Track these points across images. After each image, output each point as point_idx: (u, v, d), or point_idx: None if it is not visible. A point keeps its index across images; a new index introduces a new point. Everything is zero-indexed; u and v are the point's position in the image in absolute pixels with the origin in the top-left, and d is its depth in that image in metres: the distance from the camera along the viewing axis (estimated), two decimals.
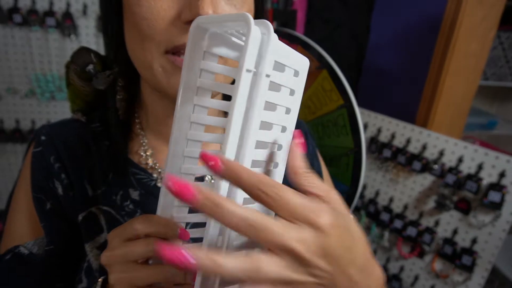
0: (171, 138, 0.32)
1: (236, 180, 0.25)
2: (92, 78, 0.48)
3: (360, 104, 1.53)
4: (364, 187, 1.28)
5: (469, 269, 1.03)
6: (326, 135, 0.91)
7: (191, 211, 0.34)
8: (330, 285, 0.26)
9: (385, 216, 1.22)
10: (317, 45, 0.96)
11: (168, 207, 0.34)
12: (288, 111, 0.31)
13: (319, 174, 0.58)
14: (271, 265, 0.24)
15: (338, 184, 0.92)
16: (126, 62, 0.42)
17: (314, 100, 0.90)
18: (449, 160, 1.06)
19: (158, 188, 0.45)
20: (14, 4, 1.19)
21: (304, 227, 0.25)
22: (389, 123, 1.19)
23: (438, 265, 1.13)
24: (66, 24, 1.24)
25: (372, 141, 1.23)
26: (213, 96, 0.34)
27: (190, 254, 0.22)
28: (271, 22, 1.02)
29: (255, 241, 0.24)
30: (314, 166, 0.58)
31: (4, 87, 1.29)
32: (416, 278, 1.18)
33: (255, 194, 0.25)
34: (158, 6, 0.35)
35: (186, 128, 0.32)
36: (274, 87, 0.29)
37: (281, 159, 0.32)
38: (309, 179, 0.29)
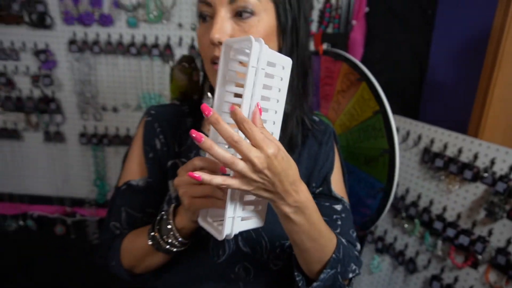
0: (214, 102, 0.53)
1: (236, 119, 0.46)
2: (192, 73, 0.75)
3: (422, 118, 1.59)
4: (419, 196, 1.33)
5: None
6: (366, 139, 1.03)
7: None
8: (270, 187, 0.48)
9: (438, 225, 1.25)
10: (360, 62, 1.10)
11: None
12: (279, 90, 0.50)
13: (332, 162, 0.74)
14: (241, 164, 0.45)
15: (375, 181, 1.02)
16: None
17: (356, 108, 1.03)
18: (500, 169, 1.07)
19: None
20: (131, 39, 1.59)
21: (261, 151, 0.45)
22: (441, 134, 1.24)
23: (492, 276, 1.11)
24: (166, 53, 1.60)
25: (426, 151, 1.28)
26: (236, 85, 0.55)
27: (198, 176, 0.46)
28: (320, 44, 1.20)
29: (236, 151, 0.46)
30: (329, 156, 0.74)
31: (121, 103, 1.69)
32: None
33: (240, 127, 0.46)
34: (203, 39, 0.61)
35: (222, 99, 0.53)
36: (269, 76, 0.48)
37: (271, 118, 0.51)
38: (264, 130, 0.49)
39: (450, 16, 1.47)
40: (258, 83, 0.47)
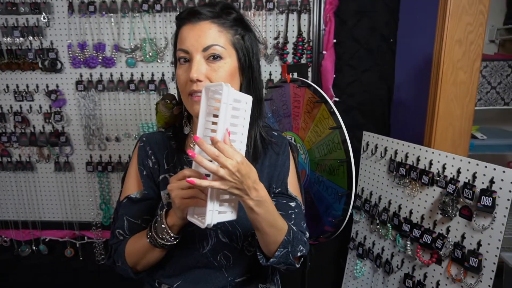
0: (198, 132, 0.72)
1: (213, 142, 0.65)
2: (173, 108, 0.93)
3: (393, 132, 1.76)
4: (389, 203, 1.48)
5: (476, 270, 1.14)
6: (328, 152, 1.20)
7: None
8: (239, 185, 0.66)
9: (406, 227, 1.39)
10: (332, 86, 1.29)
11: (196, 166, 0.73)
12: (244, 118, 0.70)
13: (288, 167, 0.93)
14: (221, 170, 0.64)
15: (338, 188, 1.18)
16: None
17: (319, 126, 1.21)
18: (450, 173, 1.23)
19: None
20: (130, 77, 1.81)
21: (232, 160, 0.64)
22: (402, 146, 1.41)
23: (453, 270, 1.24)
24: (161, 87, 1.81)
25: (391, 162, 1.45)
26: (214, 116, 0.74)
27: (191, 180, 0.64)
28: (287, 74, 1.40)
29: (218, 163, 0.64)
30: (285, 163, 0.93)
31: (123, 133, 1.89)
32: (438, 284, 1.30)
33: (216, 146, 0.64)
34: (182, 77, 0.79)
35: (203, 126, 0.72)
36: (236, 108, 0.68)
37: (238, 139, 0.70)
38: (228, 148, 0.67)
39: (408, 43, 1.68)
40: (228, 114, 0.66)
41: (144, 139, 0.94)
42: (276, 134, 0.96)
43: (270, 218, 0.74)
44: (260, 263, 0.81)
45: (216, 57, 0.77)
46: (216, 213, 0.70)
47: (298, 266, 0.85)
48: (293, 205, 0.89)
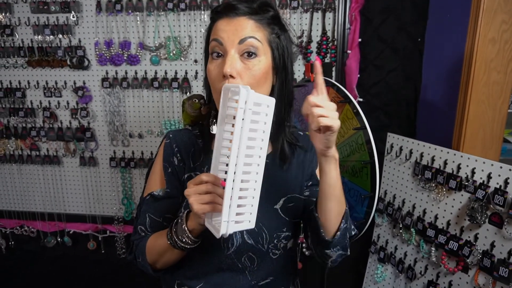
0: (216, 138, 0.71)
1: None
2: (200, 107, 0.93)
3: (419, 135, 1.71)
4: (414, 207, 1.43)
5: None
6: (351, 153, 1.18)
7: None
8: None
9: (430, 233, 1.34)
10: (356, 87, 1.25)
11: (214, 170, 0.72)
12: (265, 123, 0.66)
13: (316, 162, 0.91)
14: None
15: (361, 190, 1.15)
16: (212, 101, 0.85)
17: (342, 127, 1.18)
18: (479, 178, 1.18)
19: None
20: (154, 75, 1.84)
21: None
22: (429, 148, 1.36)
23: (480, 279, 1.19)
24: (184, 85, 1.83)
25: (416, 165, 1.40)
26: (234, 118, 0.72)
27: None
28: (310, 74, 1.38)
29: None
30: (313, 158, 0.92)
31: (145, 130, 1.92)
32: None
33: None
34: (214, 72, 0.78)
35: (221, 134, 0.70)
36: (256, 112, 0.65)
37: (258, 145, 0.67)
38: None
39: (437, 42, 1.62)
40: (247, 119, 0.63)
41: (170, 136, 0.92)
42: (302, 134, 0.95)
43: (340, 183, 0.75)
44: (321, 243, 0.80)
45: (251, 54, 0.75)
46: (232, 223, 0.66)
47: (349, 253, 0.85)
48: None
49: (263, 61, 0.77)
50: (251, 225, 0.70)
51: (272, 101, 0.67)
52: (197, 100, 0.95)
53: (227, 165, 0.66)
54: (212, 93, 0.82)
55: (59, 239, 2.12)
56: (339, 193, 0.76)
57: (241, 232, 0.84)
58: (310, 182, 0.91)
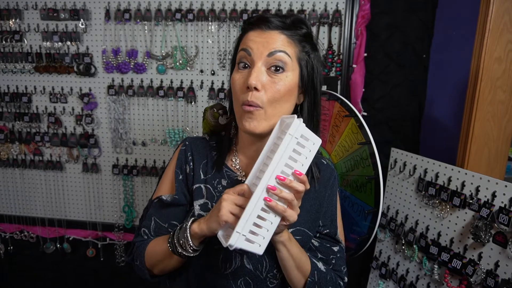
0: (258, 159, 0.73)
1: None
2: (219, 117, 0.93)
3: (423, 150, 1.70)
4: (416, 223, 1.42)
5: None
6: (356, 167, 1.17)
7: None
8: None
9: (433, 250, 1.33)
10: (360, 101, 1.26)
11: (252, 185, 0.73)
12: (306, 158, 0.67)
13: (336, 207, 0.92)
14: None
15: (365, 205, 1.15)
16: (233, 112, 0.85)
17: (347, 141, 1.18)
18: (484, 196, 1.17)
19: (239, 181, 0.87)
20: (160, 83, 1.85)
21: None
22: (433, 165, 1.36)
23: None
24: (190, 95, 1.84)
25: (420, 181, 1.40)
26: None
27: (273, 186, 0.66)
28: None
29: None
30: (333, 200, 0.91)
31: (149, 138, 1.93)
32: None
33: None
34: (238, 82, 0.77)
35: (261, 162, 0.73)
36: (301, 145, 0.66)
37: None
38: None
39: (442, 59, 1.63)
40: (290, 147, 0.65)
41: (187, 143, 0.92)
42: (325, 163, 0.93)
43: (295, 254, 0.78)
44: None
45: (278, 69, 0.74)
46: (243, 238, 0.67)
47: None
48: (336, 250, 0.88)
49: (290, 77, 0.76)
50: (260, 250, 0.70)
51: (318, 141, 0.69)
52: (216, 110, 0.95)
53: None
54: (233, 104, 0.81)
55: (58, 245, 2.10)
56: (294, 263, 0.79)
57: (241, 255, 0.83)
58: (328, 231, 0.90)
